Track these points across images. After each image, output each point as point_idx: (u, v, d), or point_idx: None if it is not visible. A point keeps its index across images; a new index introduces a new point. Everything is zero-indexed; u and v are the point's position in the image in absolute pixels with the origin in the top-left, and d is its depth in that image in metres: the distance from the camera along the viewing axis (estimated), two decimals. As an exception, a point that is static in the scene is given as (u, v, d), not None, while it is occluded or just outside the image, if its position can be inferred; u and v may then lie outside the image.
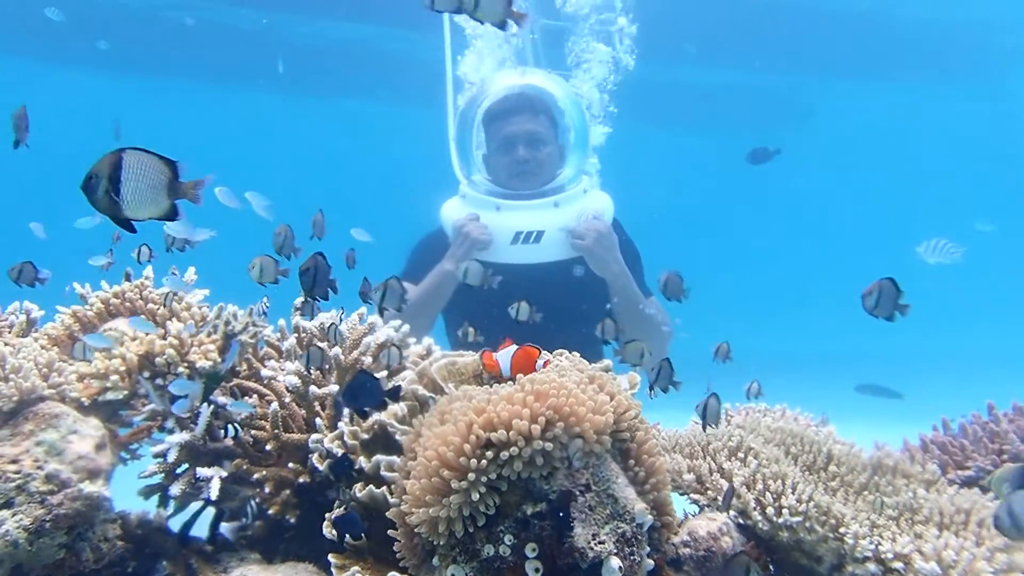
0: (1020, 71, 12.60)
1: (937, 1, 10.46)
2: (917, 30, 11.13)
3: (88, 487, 1.40)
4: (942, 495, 1.47)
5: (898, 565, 1.29)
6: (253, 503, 1.58)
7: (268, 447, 1.63)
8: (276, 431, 1.64)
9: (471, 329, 2.61)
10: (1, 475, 1.35)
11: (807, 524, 1.37)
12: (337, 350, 1.76)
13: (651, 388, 1.71)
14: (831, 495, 1.49)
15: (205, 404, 1.62)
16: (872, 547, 1.32)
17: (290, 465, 1.64)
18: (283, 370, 1.72)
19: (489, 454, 1.10)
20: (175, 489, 1.56)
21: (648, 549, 1.20)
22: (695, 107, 13.39)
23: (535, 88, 3.12)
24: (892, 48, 11.54)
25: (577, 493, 1.15)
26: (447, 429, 1.14)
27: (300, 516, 1.60)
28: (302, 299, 1.93)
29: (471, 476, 1.09)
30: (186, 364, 1.64)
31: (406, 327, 1.92)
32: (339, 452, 1.55)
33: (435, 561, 1.19)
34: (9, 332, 1.77)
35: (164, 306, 1.74)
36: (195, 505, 1.68)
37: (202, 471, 1.57)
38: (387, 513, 1.29)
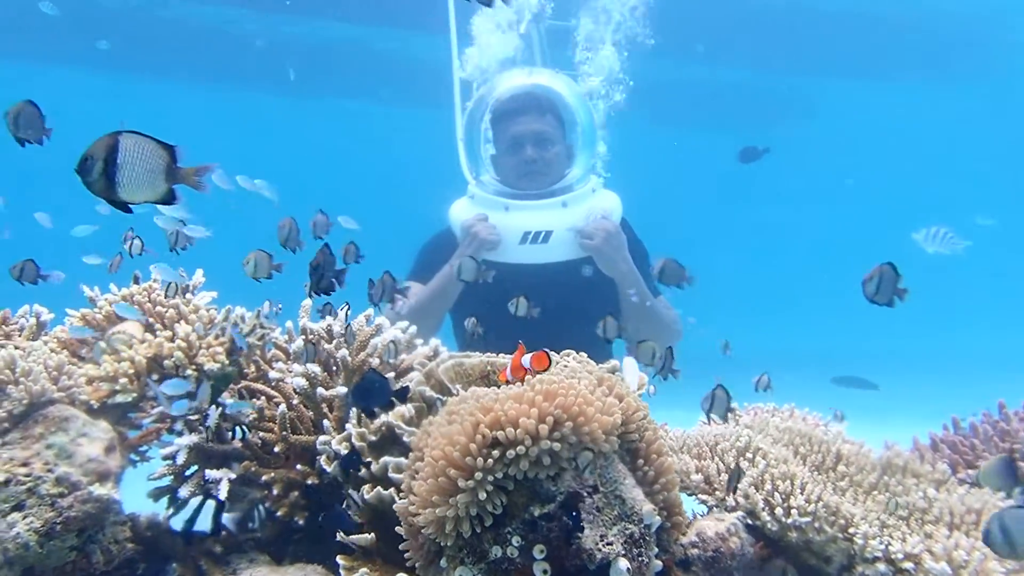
0: (1019, 67, 12.55)
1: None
2: (916, 28, 11.09)
3: (98, 489, 1.41)
4: (952, 495, 1.46)
5: (908, 565, 1.28)
6: (261, 507, 1.58)
7: (276, 449, 1.64)
8: (284, 433, 1.64)
9: (473, 319, 2.61)
10: (12, 478, 1.36)
11: (816, 524, 1.36)
12: (344, 352, 1.76)
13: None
14: (840, 495, 1.48)
15: (214, 406, 1.63)
16: (882, 547, 1.31)
17: (298, 467, 1.64)
18: (291, 372, 1.72)
19: (496, 453, 1.10)
20: (184, 491, 1.57)
21: (656, 550, 1.20)
22: (697, 105, 13.37)
23: (542, 87, 3.12)
24: (893, 46, 11.51)
25: (585, 494, 1.14)
26: (453, 429, 1.14)
27: (308, 518, 1.60)
28: (310, 300, 1.94)
29: (478, 475, 1.08)
30: (194, 366, 1.65)
31: (413, 328, 1.92)
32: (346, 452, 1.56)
33: (443, 562, 1.18)
34: (19, 335, 1.78)
35: (167, 297, 1.74)
36: (195, 501, 1.68)
37: (211, 473, 1.58)
38: (396, 510, 1.29)
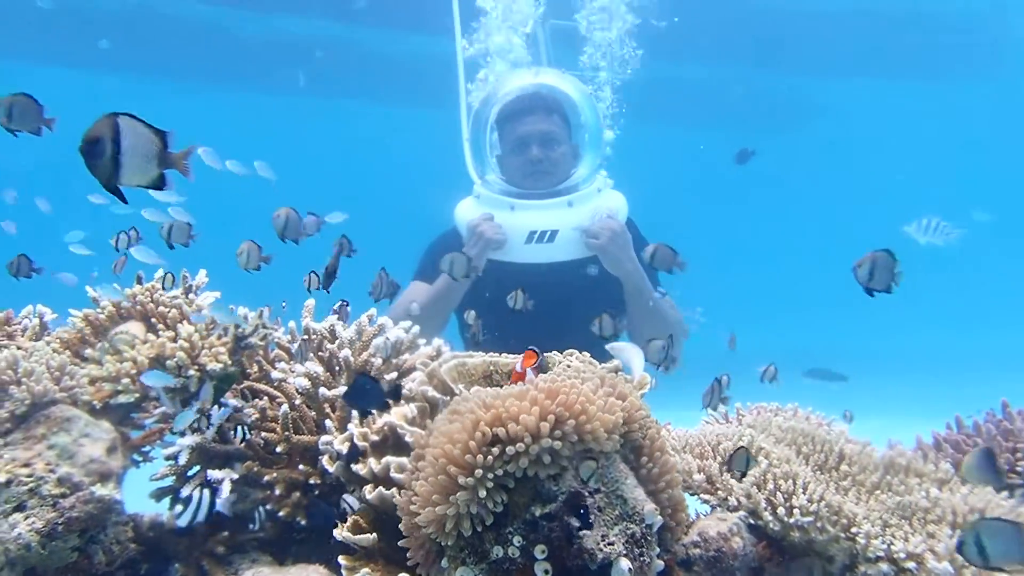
0: (1017, 63, 12.52)
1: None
2: (914, 26, 11.08)
3: (100, 490, 1.41)
4: (955, 494, 1.46)
5: (911, 565, 1.28)
6: (261, 509, 1.58)
7: (279, 449, 1.64)
8: (287, 433, 1.64)
9: (473, 313, 2.61)
10: (14, 478, 1.36)
11: (818, 524, 1.36)
12: (347, 351, 1.77)
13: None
14: (843, 495, 1.48)
15: (216, 406, 1.63)
16: (884, 547, 1.31)
17: (300, 467, 1.64)
18: (293, 372, 1.73)
19: (496, 450, 1.10)
20: (187, 491, 1.57)
21: (658, 550, 1.20)
22: (697, 104, 13.36)
23: (548, 87, 3.13)
24: (891, 44, 11.50)
25: (586, 494, 1.14)
26: (454, 427, 1.14)
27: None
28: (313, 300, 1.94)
29: (477, 472, 1.08)
30: (197, 367, 1.65)
31: (416, 328, 1.92)
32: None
33: (444, 562, 1.18)
34: (22, 336, 1.78)
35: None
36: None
37: (213, 473, 1.58)
38: (397, 509, 1.29)
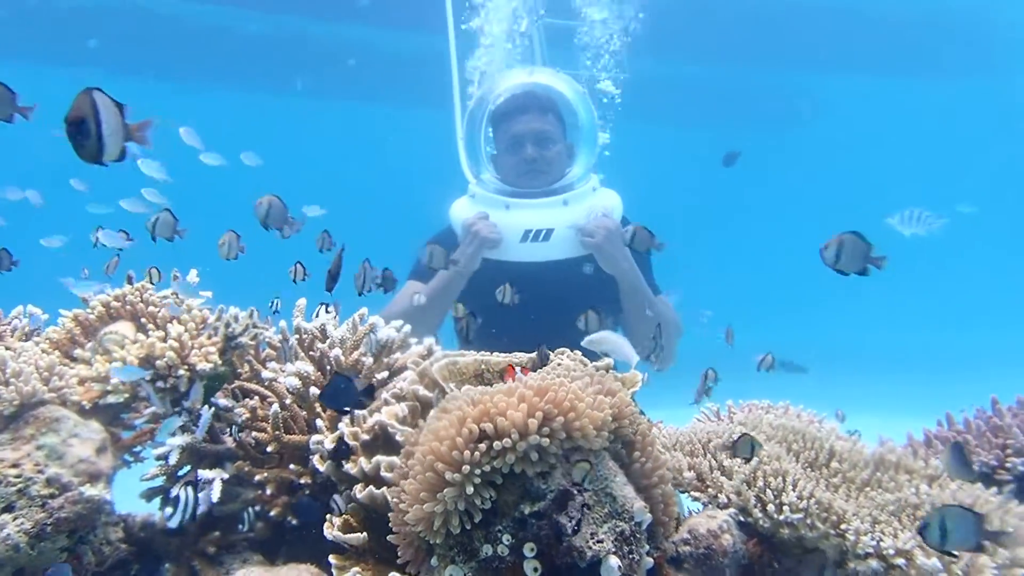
0: (1013, 60, 12.57)
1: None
2: (911, 24, 11.11)
3: (89, 490, 1.41)
4: (945, 491, 1.46)
5: (900, 561, 1.28)
6: (251, 510, 1.58)
7: (269, 449, 1.63)
8: (277, 433, 1.64)
9: (459, 306, 2.61)
10: (2, 479, 1.36)
11: (808, 521, 1.36)
12: (337, 351, 1.76)
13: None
14: (833, 491, 1.48)
15: (207, 406, 1.63)
16: (873, 543, 1.31)
17: (291, 466, 1.64)
18: (284, 371, 1.72)
19: (483, 446, 1.09)
20: (176, 491, 1.57)
21: (647, 547, 1.19)
22: (695, 103, 13.37)
23: (543, 87, 3.13)
24: (886, 41, 11.53)
25: (575, 492, 1.14)
26: (440, 424, 1.14)
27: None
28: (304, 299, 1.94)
29: (465, 468, 1.08)
30: (187, 367, 1.64)
31: (407, 327, 1.92)
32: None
33: (433, 561, 1.18)
34: (11, 336, 1.78)
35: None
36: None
37: (204, 473, 1.58)
38: (388, 512, 1.29)
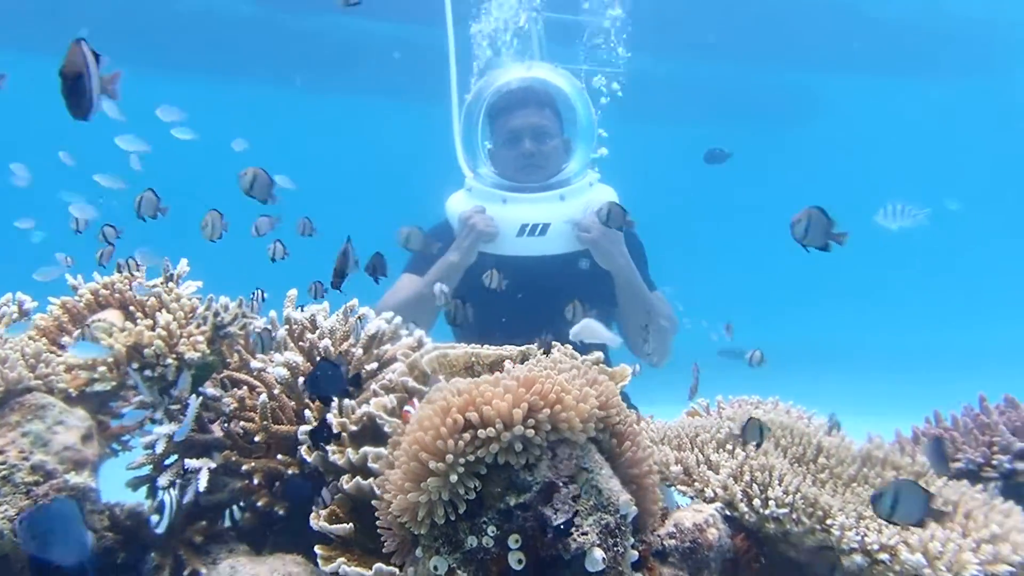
0: (1011, 60, 12.60)
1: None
2: (909, 24, 11.13)
3: (74, 478, 1.41)
4: (930, 487, 1.46)
5: (884, 556, 1.29)
6: (235, 508, 1.57)
7: (257, 439, 1.63)
8: (265, 423, 1.63)
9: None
10: (-13, 466, 1.35)
11: (794, 516, 1.36)
12: (327, 341, 1.76)
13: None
14: (820, 487, 1.48)
15: (194, 396, 1.62)
16: (858, 539, 1.31)
17: (279, 457, 1.64)
18: (272, 361, 1.72)
19: (467, 436, 1.09)
20: (163, 480, 1.57)
21: (632, 540, 1.19)
22: (692, 101, 13.37)
23: (541, 81, 3.12)
24: (883, 42, 11.55)
25: (561, 484, 1.14)
26: (425, 413, 1.14)
27: (289, 508, 1.60)
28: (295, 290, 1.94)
29: (448, 458, 1.08)
30: (175, 355, 1.64)
31: (398, 319, 1.91)
32: (329, 446, 1.55)
33: (418, 552, 1.18)
34: (-1, 323, 1.77)
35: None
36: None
37: (190, 462, 1.57)
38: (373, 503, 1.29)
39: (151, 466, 1.62)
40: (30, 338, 1.63)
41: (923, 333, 13.93)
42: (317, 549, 1.39)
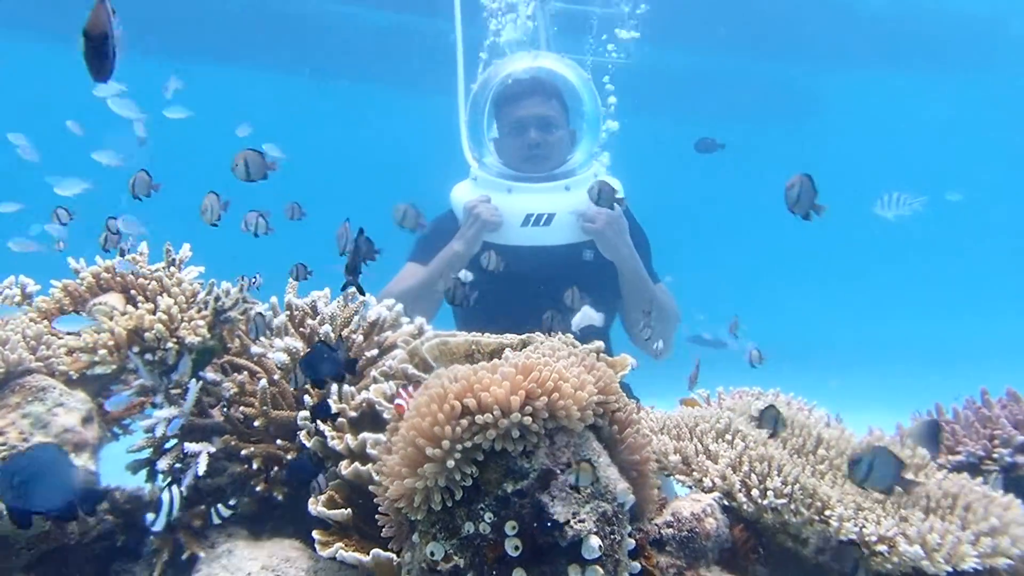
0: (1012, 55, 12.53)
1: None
2: (912, 19, 11.07)
3: (74, 460, 1.41)
4: (930, 479, 1.46)
5: (882, 548, 1.28)
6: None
7: (257, 424, 1.63)
8: (265, 408, 1.64)
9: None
10: (-13, 447, 1.35)
11: (792, 506, 1.36)
12: (327, 327, 1.76)
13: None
14: (819, 478, 1.48)
15: (194, 380, 1.63)
16: (856, 529, 1.31)
17: (279, 442, 1.64)
18: (273, 347, 1.72)
19: (464, 422, 1.09)
20: (163, 463, 1.57)
21: (630, 528, 1.19)
22: (693, 96, 13.32)
23: (547, 71, 3.11)
24: (884, 38, 11.49)
25: (558, 471, 1.14)
26: (423, 399, 1.14)
27: (287, 494, 1.61)
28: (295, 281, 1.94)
29: (445, 444, 1.08)
30: (175, 339, 1.64)
31: (399, 306, 1.91)
32: (328, 432, 1.55)
33: (415, 538, 1.18)
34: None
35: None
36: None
37: (190, 446, 1.58)
38: (370, 488, 1.29)
39: (151, 449, 1.62)
40: (31, 320, 1.63)
41: (926, 327, 13.90)
42: (315, 534, 1.40)
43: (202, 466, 1.55)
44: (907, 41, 11.84)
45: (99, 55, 0.95)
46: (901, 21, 11.19)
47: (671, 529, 1.31)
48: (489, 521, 1.12)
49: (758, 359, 2.29)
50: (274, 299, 1.85)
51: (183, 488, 1.52)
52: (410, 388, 1.31)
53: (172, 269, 1.84)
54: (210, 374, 1.69)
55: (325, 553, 1.35)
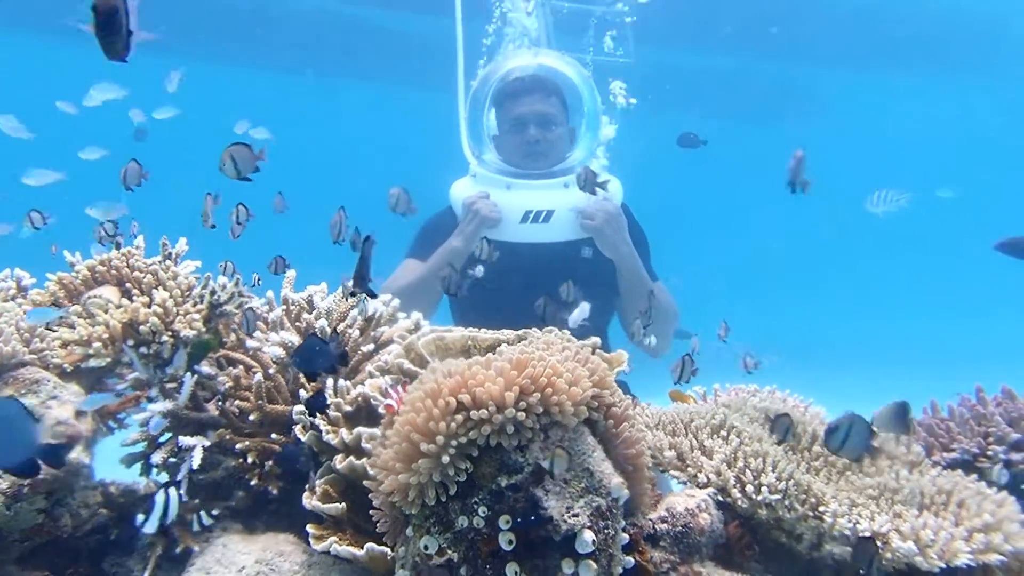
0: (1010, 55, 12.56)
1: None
2: (913, 20, 11.08)
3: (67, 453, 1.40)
4: (924, 476, 1.46)
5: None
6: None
7: (252, 417, 1.63)
8: (260, 402, 1.63)
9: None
10: (-20, 439, 1.35)
11: (786, 502, 1.36)
12: (323, 322, 1.76)
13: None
14: (813, 475, 1.48)
15: (189, 374, 1.62)
16: (850, 526, 1.31)
17: (273, 436, 1.64)
18: (268, 341, 1.72)
19: (459, 418, 1.09)
20: (157, 457, 1.57)
21: (623, 523, 1.19)
22: (693, 93, 13.33)
23: (548, 69, 3.11)
24: (888, 37, 11.51)
25: (552, 467, 1.14)
26: (417, 395, 1.14)
27: (282, 488, 1.60)
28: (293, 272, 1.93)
29: (439, 439, 1.08)
30: (170, 333, 1.64)
31: (396, 301, 1.91)
32: (323, 426, 1.55)
33: (409, 532, 1.18)
34: (-4, 299, 1.77)
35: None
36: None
37: (185, 440, 1.57)
38: (364, 483, 1.29)
39: (145, 443, 1.62)
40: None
41: (923, 326, 13.93)
42: (309, 528, 1.40)
43: (197, 459, 1.55)
44: (908, 41, 11.84)
45: (110, 30, 0.90)
46: (901, 21, 11.20)
47: (665, 524, 1.31)
48: (483, 515, 1.12)
49: (753, 366, 2.30)
50: (270, 293, 1.85)
51: (181, 492, 1.51)
52: (399, 388, 1.31)
53: (168, 263, 1.84)
54: (205, 368, 1.69)
55: (319, 547, 1.35)
